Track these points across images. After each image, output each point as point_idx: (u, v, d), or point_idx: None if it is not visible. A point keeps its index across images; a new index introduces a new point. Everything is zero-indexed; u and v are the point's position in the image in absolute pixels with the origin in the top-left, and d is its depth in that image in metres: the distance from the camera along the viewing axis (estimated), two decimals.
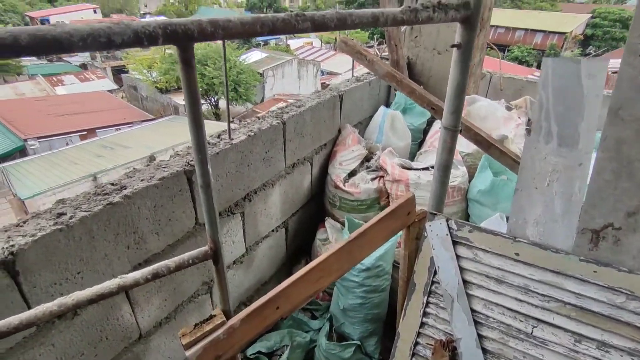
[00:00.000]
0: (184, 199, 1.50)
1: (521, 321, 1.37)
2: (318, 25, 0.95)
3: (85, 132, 16.62)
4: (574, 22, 31.41)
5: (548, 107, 1.45)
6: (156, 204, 1.39)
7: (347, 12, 0.99)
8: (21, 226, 1.11)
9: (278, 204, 2.13)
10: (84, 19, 32.13)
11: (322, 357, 2.03)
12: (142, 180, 1.36)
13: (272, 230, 2.17)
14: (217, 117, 19.58)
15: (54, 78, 22.43)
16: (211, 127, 15.19)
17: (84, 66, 28.18)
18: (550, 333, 1.33)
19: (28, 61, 27.88)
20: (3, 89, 20.53)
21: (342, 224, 2.33)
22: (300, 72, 23.63)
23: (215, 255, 1.06)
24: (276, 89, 21.09)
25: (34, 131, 15.99)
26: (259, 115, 1.98)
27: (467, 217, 2.22)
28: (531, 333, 1.36)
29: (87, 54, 28.75)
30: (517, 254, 1.38)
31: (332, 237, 2.28)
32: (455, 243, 1.49)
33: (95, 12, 36.42)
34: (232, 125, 1.73)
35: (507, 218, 1.95)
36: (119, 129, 16.62)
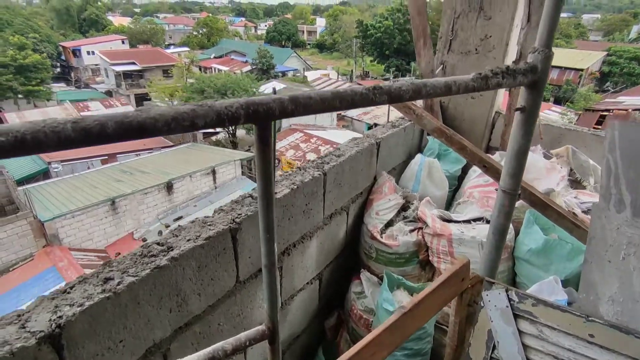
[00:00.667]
0: (227, 257, 1.43)
1: None
2: (394, 98, 0.91)
3: (107, 157, 17.03)
4: (589, 59, 31.57)
5: (617, 173, 1.36)
6: (200, 264, 1.32)
7: (422, 83, 0.95)
8: (68, 292, 1.05)
9: (314, 256, 2.05)
10: (113, 49, 33.77)
11: None
12: (188, 240, 1.30)
13: (307, 283, 2.08)
14: (234, 145, 19.90)
15: (80, 104, 23.32)
16: (227, 155, 15.39)
17: (109, 93, 29.31)
18: None
19: (58, 87, 29.19)
20: (32, 114, 21.36)
21: (379, 277, 2.22)
22: None
23: (272, 335, 0.98)
24: (293, 119, 21.44)
25: (58, 155, 16.45)
26: (299, 165, 1.94)
27: (513, 276, 2.09)
28: None
29: (112, 81, 29.97)
30: (591, 336, 1.25)
31: (368, 292, 2.17)
32: (516, 316, 1.37)
33: (123, 42, 38.29)
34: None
35: (562, 282, 1.83)
36: (139, 154, 16.99)
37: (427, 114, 1.85)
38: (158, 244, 1.27)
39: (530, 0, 2.38)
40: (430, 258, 2.21)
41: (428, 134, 3.03)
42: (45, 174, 15.89)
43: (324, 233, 2.07)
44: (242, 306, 1.59)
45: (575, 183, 2.66)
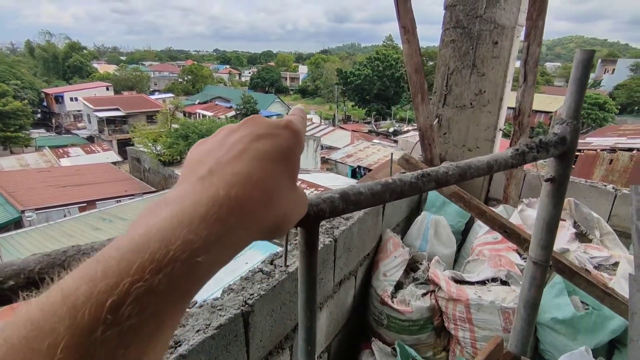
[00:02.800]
0: (238, 344, 1.27)
1: None
2: (442, 183, 0.83)
3: (85, 204, 16.45)
4: (557, 103, 33.57)
5: None
6: (210, 357, 1.16)
7: (466, 166, 0.89)
8: None
9: (324, 328, 1.89)
10: (97, 96, 33.87)
11: None
12: (197, 331, 1.15)
13: (317, 357, 1.89)
14: None
15: (60, 150, 22.87)
16: None
17: (91, 139, 28.98)
18: None
19: (37, 134, 28.72)
20: (8, 160, 20.76)
21: (392, 346, 2.06)
22: None
23: None
24: None
25: (33, 202, 15.83)
26: None
27: (535, 341, 1.97)
28: None
29: (95, 127, 29.76)
30: None
31: None
32: None
33: (107, 89, 38.53)
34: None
35: (594, 352, 1.72)
36: (119, 201, 16.51)
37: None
38: None
39: (525, 61, 2.47)
40: (446, 324, 2.07)
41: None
42: (17, 224, 15.14)
43: (333, 302, 1.93)
44: None
45: (581, 236, 2.63)
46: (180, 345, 1.09)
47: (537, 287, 1.38)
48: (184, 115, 33.33)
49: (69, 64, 52.70)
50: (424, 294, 2.10)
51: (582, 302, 1.91)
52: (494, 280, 2.10)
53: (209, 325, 1.18)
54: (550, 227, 1.32)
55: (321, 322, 1.84)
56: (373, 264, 2.31)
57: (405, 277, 2.24)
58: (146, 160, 22.53)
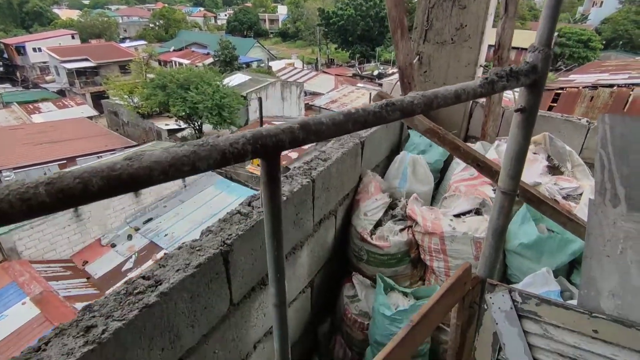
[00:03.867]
0: (220, 282, 1.33)
1: None
2: (407, 112, 0.83)
3: (65, 161, 16.06)
4: None
5: (611, 168, 1.36)
6: (193, 294, 1.21)
7: (433, 95, 0.88)
8: (44, 350, 0.92)
9: (305, 265, 1.97)
10: (62, 45, 31.63)
11: None
12: (177, 270, 1.19)
13: (300, 292, 2.00)
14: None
15: (30, 106, 21.77)
16: None
17: (62, 92, 27.54)
18: None
19: (2, 89, 27.11)
20: None
21: (372, 279, 2.18)
22: (283, 93, 23.75)
23: None
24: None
25: (9, 162, 15.36)
26: (286, 174, 1.84)
27: (504, 268, 2.11)
28: None
29: (65, 79, 28.15)
30: (595, 331, 1.26)
31: (361, 295, 2.12)
32: (520, 317, 1.36)
33: (73, 37, 35.91)
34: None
35: (553, 273, 1.86)
36: (101, 156, 16.14)
37: (420, 115, 1.78)
38: (144, 277, 1.15)
39: None
40: (422, 256, 2.19)
41: (409, 128, 3.00)
42: None
43: (314, 240, 2.00)
44: (236, 329, 1.49)
45: (553, 169, 2.72)
46: (160, 284, 1.13)
47: (505, 216, 1.45)
48: (159, 63, 31.66)
49: (27, 10, 48.44)
50: (402, 230, 2.19)
51: (548, 229, 2.02)
52: (468, 212, 2.18)
53: (188, 264, 1.21)
54: (518, 157, 1.36)
55: (303, 259, 1.92)
56: (353, 203, 2.36)
57: (384, 215, 2.31)
58: (124, 113, 21.73)
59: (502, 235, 1.49)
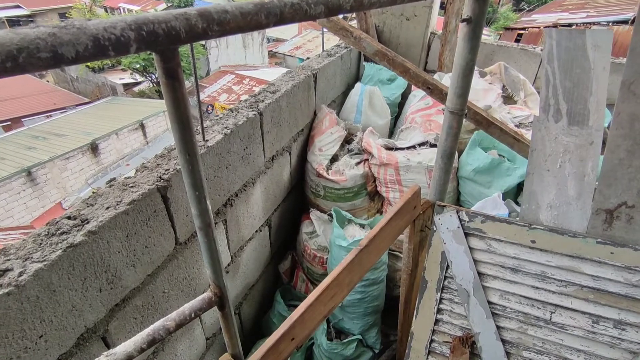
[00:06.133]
0: (160, 219, 1.26)
1: (539, 308, 1.34)
2: (333, 9, 0.74)
3: (9, 122, 14.83)
4: None
5: (555, 83, 1.35)
6: (128, 233, 1.14)
7: None
8: None
9: (260, 203, 1.93)
10: None
11: (323, 357, 1.94)
12: (107, 207, 1.10)
13: (256, 231, 1.98)
14: (161, 95, 18.25)
15: None
16: (155, 106, 14.15)
17: None
18: (568, 317, 1.30)
19: None
20: None
21: (330, 214, 2.18)
22: (245, 40, 22.44)
23: (220, 301, 0.87)
24: (222, 61, 19.97)
25: None
26: (231, 107, 1.72)
27: (458, 195, 2.16)
28: (550, 319, 1.33)
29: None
30: (533, 242, 1.31)
31: (319, 230, 2.13)
32: (467, 235, 1.40)
33: None
34: (204, 123, 1.48)
35: (503, 196, 1.91)
36: (50, 115, 15.00)
37: (366, 35, 1.68)
38: (69, 217, 1.06)
39: None
40: (378, 188, 2.19)
41: (365, 61, 2.89)
42: None
43: (267, 177, 1.94)
44: (186, 268, 1.46)
45: (508, 98, 2.74)
46: (87, 222, 1.05)
47: (454, 137, 1.43)
48: (105, 10, 28.77)
49: None
50: (358, 163, 2.16)
51: (499, 154, 2.05)
52: (424, 144, 2.18)
53: (120, 202, 1.13)
54: (465, 73, 1.31)
55: (256, 197, 1.87)
56: (309, 139, 2.30)
57: (340, 150, 2.27)
58: (71, 67, 19.97)
59: (451, 157, 1.49)
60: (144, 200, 1.17)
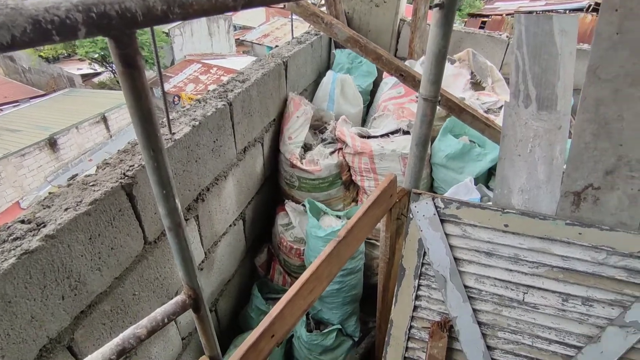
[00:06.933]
0: (126, 219, 1.19)
1: (512, 290, 1.37)
2: None
3: None
4: None
5: (524, 69, 1.36)
6: (92, 235, 1.07)
7: None
8: None
9: (233, 196, 1.87)
10: None
11: (303, 348, 1.93)
12: (66, 209, 1.02)
13: (230, 225, 1.92)
14: None
15: None
16: (117, 97, 13.51)
17: None
18: (540, 297, 1.35)
19: None
20: None
21: (304, 205, 2.15)
22: (210, 28, 21.74)
23: (195, 303, 0.82)
24: (187, 49, 19.28)
25: None
26: (198, 98, 1.64)
27: (431, 181, 2.18)
28: (523, 300, 1.37)
29: None
30: (506, 225, 1.34)
31: (295, 221, 2.10)
32: (443, 221, 1.41)
33: None
34: (170, 115, 1.40)
35: (475, 181, 1.95)
36: (1, 110, 14.02)
37: (337, 22, 1.64)
38: (22, 221, 0.97)
39: None
40: (353, 177, 2.18)
41: (336, 48, 2.84)
42: None
43: (239, 170, 1.88)
44: (158, 268, 1.39)
45: (476, 85, 2.78)
46: (44, 226, 0.97)
47: (428, 124, 1.43)
48: None
49: None
50: (332, 152, 2.14)
51: (470, 140, 2.08)
52: (396, 132, 2.18)
53: (80, 202, 1.05)
54: (438, 60, 1.30)
55: (228, 190, 1.81)
56: (280, 130, 2.25)
57: (314, 139, 2.23)
58: (22, 58, 18.67)
59: (425, 144, 1.49)
60: (107, 199, 1.10)
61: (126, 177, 1.16)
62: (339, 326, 1.92)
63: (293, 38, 2.54)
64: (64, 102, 13.62)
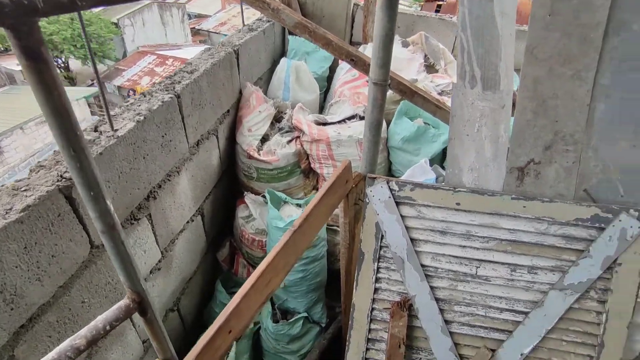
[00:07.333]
0: (67, 224, 1.12)
1: (466, 265, 1.42)
2: None
3: None
4: None
5: (469, 50, 1.39)
6: (27, 244, 1.00)
7: None
8: None
9: (188, 192, 1.81)
10: None
11: (271, 339, 1.93)
12: None
13: (188, 222, 1.86)
14: (71, 81, 16.40)
15: None
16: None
17: None
18: (491, 269, 1.41)
19: None
20: None
21: (264, 196, 2.12)
22: (163, 17, 20.76)
23: (141, 306, 0.79)
24: (139, 40, 18.34)
25: None
26: (143, 91, 1.56)
27: (389, 165, 2.21)
28: (476, 274, 1.42)
29: None
30: (458, 204, 1.38)
31: (256, 213, 2.07)
32: (398, 204, 1.43)
33: None
34: (112, 111, 1.32)
35: (430, 162, 1.99)
36: None
37: (284, 7, 1.60)
38: None
39: None
40: (312, 165, 2.17)
41: (290, 34, 2.79)
42: None
43: (193, 164, 1.82)
44: (108, 272, 1.33)
45: (430, 67, 2.83)
46: None
47: (379, 108, 1.43)
48: None
49: None
50: (289, 141, 2.12)
51: (424, 122, 2.12)
52: (353, 117, 2.18)
53: (10, 209, 0.97)
54: (385, 43, 1.30)
55: (183, 186, 1.75)
56: (237, 120, 2.19)
57: (271, 129, 2.20)
58: None
59: (378, 128, 1.50)
60: (42, 204, 1.02)
61: (63, 179, 1.09)
62: (305, 314, 1.93)
63: (244, 25, 2.46)
64: (5, 101, 12.63)
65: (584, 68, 1.32)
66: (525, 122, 1.36)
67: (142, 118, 1.38)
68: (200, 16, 25.18)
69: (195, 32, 22.88)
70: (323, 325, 2.01)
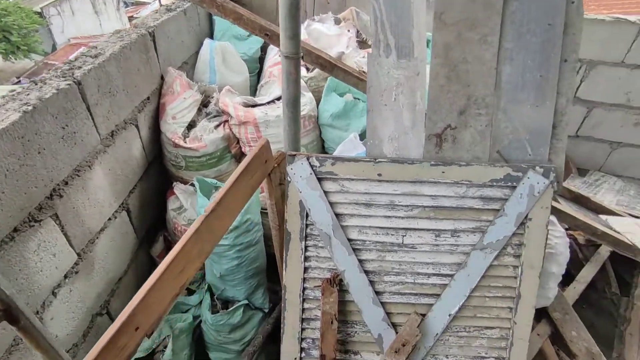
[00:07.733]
0: None
1: (392, 235, 1.43)
2: None
3: None
4: None
5: (382, 19, 1.38)
6: None
7: None
8: None
9: (106, 187, 1.68)
10: None
11: (211, 331, 1.87)
12: None
13: (109, 219, 1.74)
14: None
15: None
16: None
17: None
18: (417, 237, 1.43)
19: None
20: None
21: (193, 185, 2.03)
22: (95, 6, 19.28)
23: (9, 314, 0.70)
24: (69, 32, 16.93)
25: None
26: (34, 79, 1.40)
27: (322, 143, 2.18)
28: (402, 243, 1.44)
29: None
30: (379, 175, 1.38)
31: (186, 204, 1.98)
32: (320, 180, 1.40)
33: None
34: None
35: (360, 136, 1.99)
36: None
37: None
38: None
39: None
40: (242, 149, 2.10)
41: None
42: None
43: (109, 157, 1.69)
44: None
45: (362, 43, 2.81)
46: None
47: (294, 82, 1.38)
48: None
49: None
50: (217, 126, 2.02)
51: (354, 97, 2.11)
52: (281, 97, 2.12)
53: None
54: (292, 13, 1.24)
55: (97, 181, 1.62)
56: (160, 108, 2.06)
57: (198, 115, 2.09)
58: None
59: (296, 103, 1.45)
60: None
61: None
62: (245, 301, 1.89)
63: (161, 5, 2.30)
64: None
65: (490, 32, 1.34)
66: (439, 88, 1.37)
67: (30, 108, 1.24)
68: (138, 3, 23.68)
69: (133, 21, 21.53)
70: (266, 310, 1.98)
